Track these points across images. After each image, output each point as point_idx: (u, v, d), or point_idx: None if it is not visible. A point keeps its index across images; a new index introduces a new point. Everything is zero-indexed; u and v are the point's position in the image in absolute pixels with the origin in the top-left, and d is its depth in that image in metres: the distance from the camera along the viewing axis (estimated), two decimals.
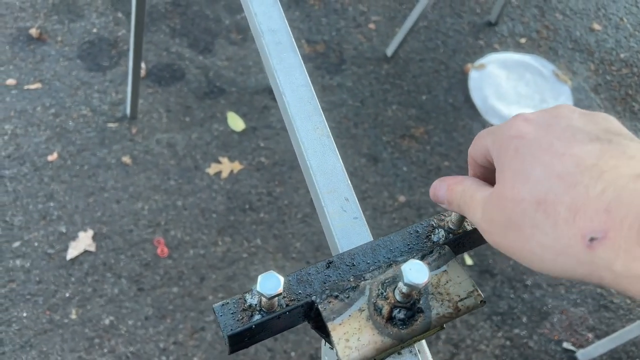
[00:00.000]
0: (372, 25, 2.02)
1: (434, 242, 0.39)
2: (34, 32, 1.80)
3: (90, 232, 1.51)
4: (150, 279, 1.47)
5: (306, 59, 1.90)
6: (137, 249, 1.50)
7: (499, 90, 1.90)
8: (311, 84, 0.56)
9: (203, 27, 1.92)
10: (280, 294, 0.33)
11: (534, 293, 1.57)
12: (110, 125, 1.68)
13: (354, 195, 0.50)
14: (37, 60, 1.77)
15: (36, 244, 1.48)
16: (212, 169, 1.65)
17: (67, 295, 1.43)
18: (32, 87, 1.72)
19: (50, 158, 1.60)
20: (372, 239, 0.45)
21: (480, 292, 0.36)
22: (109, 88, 1.74)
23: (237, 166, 1.67)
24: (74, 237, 1.50)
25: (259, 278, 0.34)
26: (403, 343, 0.35)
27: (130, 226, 1.53)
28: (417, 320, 0.35)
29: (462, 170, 1.73)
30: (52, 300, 1.42)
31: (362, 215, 0.49)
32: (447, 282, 0.37)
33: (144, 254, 1.50)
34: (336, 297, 0.37)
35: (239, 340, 0.36)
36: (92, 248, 1.49)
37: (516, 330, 1.51)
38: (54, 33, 1.82)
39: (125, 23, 1.88)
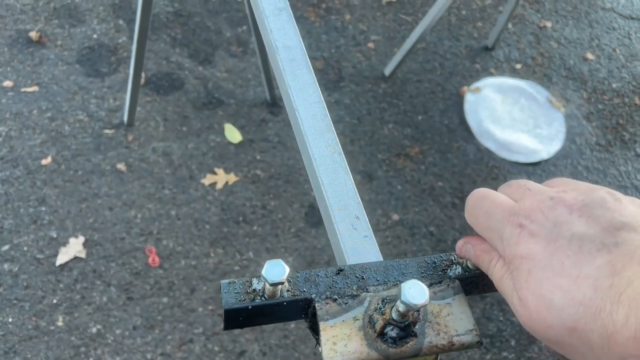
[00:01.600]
0: (371, 45, 2.04)
1: (449, 277, 0.39)
2: (33, 35, 1.80)
3: (81, 239, 1.49)
4: (140, 288, 1.45)
5: None
6: (128, 258, 1.49)
7: (494, 113, 1.93)
8: (324, 102, 0.57)
9: (204, 38, 1.93)
10: (283, 282, 0.34)
11: None
12: (107, 131, 1.67)
13: (365, 213, 0.50)
14: (35, 63, 1.76)
15: (25, 248, 1.46)
16: (207, 180, 1.64)
17: (55, 301, 1.41)
18: (29, 89, 1.71)
19: (44, 162, 1.59)
20: (381, 259, 0.46)
21: (478, 332, 0.36)
22: (107, 94, 1.74)
23: (232, 178, 1.67)
24: (65, 243, 1.48)
25: (266, 264, 0.34)
26: None
27: (122, 234, 1.52)
28: (408, 342, 0.35)
29: (455, 191, 1.75)
30: (39, 306, 1.40)
31: (372, 234, 0.50)
32: (448, 314, 0.37)
33: (135, 263, 1.48)
34: (335, 300, 0.37)
35: (235, 318, 0.36)
36: (83, 255, 1.47)
37: (504, 353, 1.51)
38: (54, 37, 1.82)
39: (126, 30, 1.89)
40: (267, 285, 0.35)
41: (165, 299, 1.45)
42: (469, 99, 1.95)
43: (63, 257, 1.46)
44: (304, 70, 0.59)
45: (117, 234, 1.51)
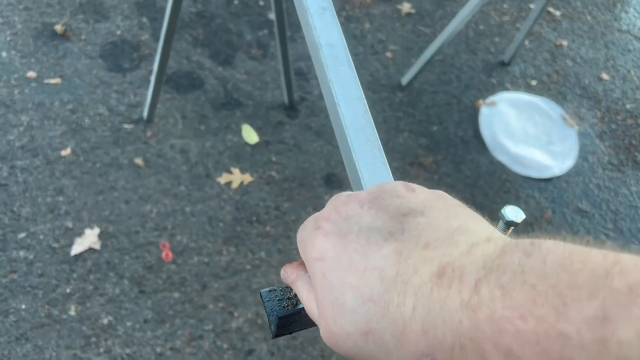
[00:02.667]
0: (389, 54, 2.07)
1: None
2: (58, 28, 1.83)
3: (96, 230, 1.51)
4: (153, 282, 1.47)
5: None
6: (142, 251, 1.50)
7: (508, 128, 1.94)
8: (365, 99, 0.59)
9: (225, 39, 1.96)
10: None
11: None
12: (126, 126, 1.69)
13: None
14: (59, 56, 1.79)
15: (41, 237, 1.48)
16: (222, 179, 1.66)
17: (68, 291, 1.42)
18: (52, 81, 1.73)
19: (63, 153, 1.61)
20: None
21: None
22: (128, 90, 1.76)
23: (247, 178, 1.68)
24: (80, 234, 1.49)
25: None
26: None
27: (137, 227, 1.53)
28: None
29: (467, 202, 1.76)
30: (52, 294, 1.41)
31: None
32: None
33: (148, 257, 1.50)
34: None
35: (284, 324, 0.37)
36: (97, 246, 1.48)
37: None
38: (78, 31, 1.85)
39: (149, 28, 1.92)
40: None
41: (176, 294, 1.46)
42: (484, 112, 1.96)
43: (78, 247, 1.48)
44: (346, 68, 0.60)
45: (132, 228, 1.53)
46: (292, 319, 0.37)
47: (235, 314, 1.47)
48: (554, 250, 0.21)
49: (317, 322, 0.29)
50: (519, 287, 0.20)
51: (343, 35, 0.63)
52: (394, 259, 0.25)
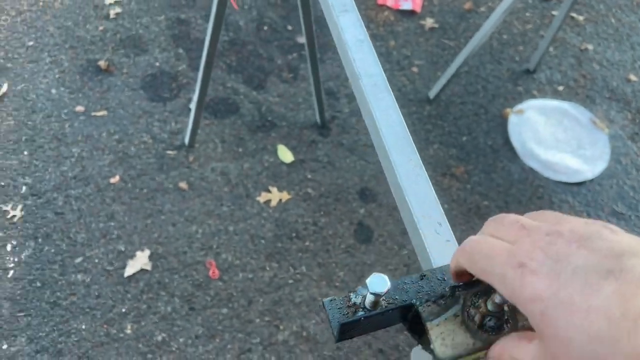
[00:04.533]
0: (415, 69, 2.12)
1: None
2: (102, 64, 1.95)
3: (147, 252, 1.59)
4: (202, 299, 1.54)
5: (352, 97, 2.01)
6: (190, 270, 1.58)
7: (538, 135, 1.97)
8: (404, 122, 0.65)
9: (257, 65, 2.05)
10: (387, 293, 0.39)
11: None
12: (169, 152, 1.79)
13: (446, 221, 0.57)
14: (104, 90, 1.90)
15: (97, 260, 1.57)
16: (262, 198, 1.74)
17: (123, 310, 1.51)
18: (99, 114, 1.85)
19: (112, 180, 1.71)
20: None
21: None
22: (169, 118, 1.86)
23: (285, 196, 1.75)
24: (132, 256, 1.59)
25: (369, 278, 0.39)
26: (490, 346, 0.39)
27: (185, 248, 1.62)
28: (505, 329, 0.39)
29: (501, 210, 1.79)
30: (109, 314, 1.50)
31: (454, 239, 0.56)
32: None
33: (196, 275, 1.58)
34: (434, 302, 0.41)
35: (347, 330, 0.41)
36: (148, 267, 1.57)
37: None
38: (120, 65, 1.97)
39: (185, 58, 2.02)
40: (369, 297, 0.39)
41: (224, 310, 1.54)
42: (513, 120, 1.99)
43: (130, 269, 1.57)
44: (385, 94, 0.67)
45: (180, 248, 1.61)
46: (352, 326, 0.41)
47: (281, 327, 1.53)
48: None
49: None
50: None
51: (380, 64, 0.69)
52: (618, 299, 0.26)
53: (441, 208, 0.58)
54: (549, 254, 0.30)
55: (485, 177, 1.87)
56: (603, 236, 0.30)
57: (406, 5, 2.29)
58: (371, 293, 0.39)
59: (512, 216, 0.35)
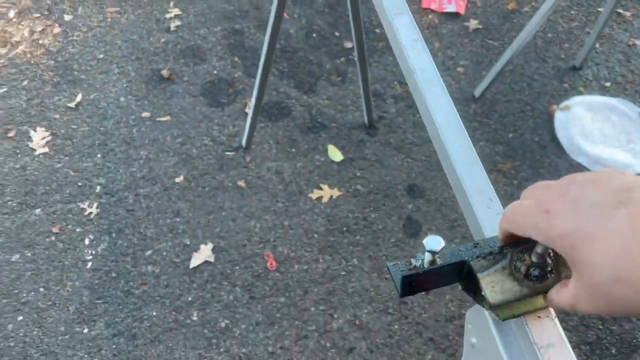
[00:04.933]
0: (460, 69, 2.18)
1: None
2: (165, 73, 2.10)
3: (210, 245, 1.72)
4: (261, 289, 1.65)
5: (398, 98, 2.09)
6: (250, 262, 1.69)
7: (585, 130, 1.98)
8: (456, 111, 0.72)
9: (307, 70, 2.16)
10: (440, 250, 0.45)
11: (623, 325, 1.61)
12: (228, 153, 1.92)
13: (496, 196, 0.64)
14: (167, 97, 2.06)
15: (165, 253, 1.71)
16: (314, 195, 1.83)
17: (190, 299, 1.63)
18: (163, 119, 2.00)
19: (177, 180, 1.85)
20: None
21: None
22: (227, 122, 1.99)
23: (336, 193, 1.84)
24: (196, 249, 1.71)
25: (426, 239, 0.46)
26: (537, 294, 0.45)
27: (244, 241, 1.73)
28: (549, 278, 0.44)
29: None
30: (177, 302, 1.63)
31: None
32: None
33: (255, 267, 1.69)
34: (484, 257, 0.47)
35: (408, 284, 0.47)
36: (212, 259, 1.69)
37: None
38: (181, 74, 2.12)
39: (241, 66, 2.16)
40: (427, 255, 0.46)
41: (282, 299, 1.64)
42: (559, 117, 2.02)
43: (195, 261, 1.69)
44: (439, 88, 0.75)
45: (240, 242, 1.73)
46: (412, 279, 0.47)
47: (335, 316, 1.62)
48: None
49: (581, 295, 0.36)
50: None
51: (432, 60, 0.77)
52: (629, 221, 0.32)
53: (491, 186, 0.66)
54: (568, 198, 0.36)
55: (533, 173, 1.90)
56: (613, 177, 0.35)
57: (450, 8, 2.35)
58: (427, 251, 0.45)
59: (540, 182, 0.41)
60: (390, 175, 1.90)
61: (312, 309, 1.63)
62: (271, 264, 1.69)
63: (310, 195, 1.84)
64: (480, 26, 2.32)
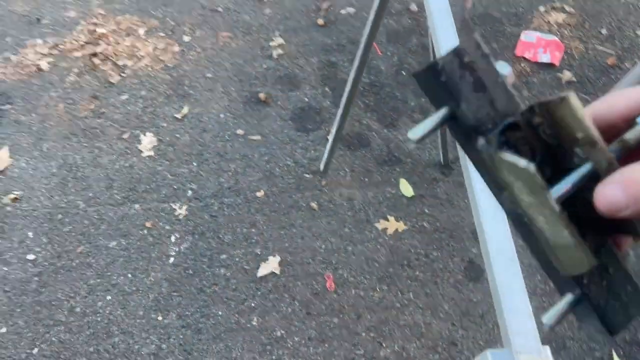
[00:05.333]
0: None
1: None
2: (262, 96, 2.31)
3: (277, 258, 1.86)
4: (317, 307, 1.76)
5: None
6: (311, 280, 1.81)
7: None
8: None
9: (392, 105, 2.26)
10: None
11: None
12: (306, 175, 2.06)
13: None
14: (260, 118, 2.25)
15: (237, 259, 1.88)
16: (380, 225, 1.92)
17: (253, 305, 1.78)
18: (254, 138, 2.19)
19: (258, 194, 2.03)
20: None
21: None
22: (310, 146, 2.15)
23: (402, 226, 1.91)
24: (265, 260, 1.86)
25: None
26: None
27: (309, 259, 1.85)
28: None
29: None
30: (241, 306, 1.78)
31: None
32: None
33: (315, 285, 1.80)
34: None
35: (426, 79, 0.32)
36: (277, 271, 1.83)
37: None
38: (276, 98, 2.31)
39: (330, 96, 2.31)
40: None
41: (336, 319, 1.73)
42: None
43: (263, 270, 1.84)
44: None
45: (305, 259, 1.86)
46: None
47: (384, 345, 1.68)
48: None
49: None
50: None
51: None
52: None
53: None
54: None
55: None
56: None
57: (545, 58, 2.34)
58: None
59: None
60: (459, 217, 1.94)
61: (363, 334, 1.70)
62: (330, 284, 1.80)
63: (377, 224, 1.92)
64: (575, 79, 2.29)
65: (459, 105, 0.31)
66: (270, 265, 1.85)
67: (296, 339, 1.71)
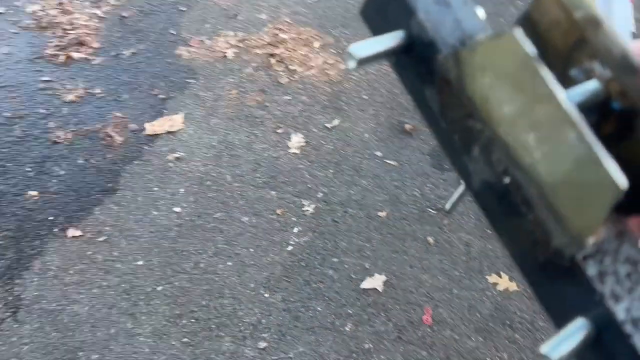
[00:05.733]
0: None
1: None
2: (407, 127, 2.43)
3: (383, 277, 1.95)
4: (409, 335, 1.81)
5: None
6: (410, 308, 1.87)
7: None
8: None
9: None
10: None
11: None
12: (430, 210, 2.13)
13: None
14: (401, 146, 2.38)
15: (346, 266, 1.99)
16: (491, 278, 1.92)
17: (350, 312, 1.88)
18: (390, 162, 2.32)
19: (380, 214, 2.14)
20: None
21: None
22: (441, 184, 2.22)
23: (513, 286, 1.90)
24: (372, 275, 1.96)
25: None
26: None
27: (412, 289, 1.92)
28: None
29: None
30: (339, 310, 1.89)
31: None
32: None
33: (412, 314, 1.85)
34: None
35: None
36: (380, 289, 1.92)
37: None
38: (420, 132, 2.42)
39: None
40: None
41: (424, 353, 1.77)
42: None
43: (367, 284, 1.94)
44: None
45: (409, 287, 1.92)
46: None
47: None
48: None
49: None
50: None
51: None
52: None
53: None
54: None
55: None
56: None
57: None
58: None
59: None
60: None
61: None
62: (427, 319, 1.84)
63: (488, 277, 1.93)
64: None
65: (417, 16, 0.25)
66: (376, 281, 1.94)
67: (382, 357, 1.77)
